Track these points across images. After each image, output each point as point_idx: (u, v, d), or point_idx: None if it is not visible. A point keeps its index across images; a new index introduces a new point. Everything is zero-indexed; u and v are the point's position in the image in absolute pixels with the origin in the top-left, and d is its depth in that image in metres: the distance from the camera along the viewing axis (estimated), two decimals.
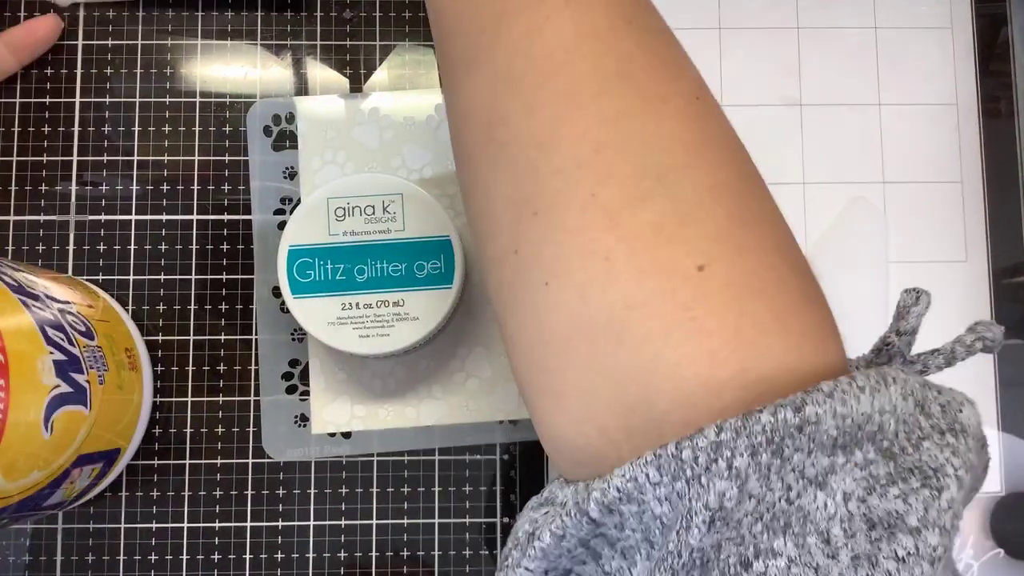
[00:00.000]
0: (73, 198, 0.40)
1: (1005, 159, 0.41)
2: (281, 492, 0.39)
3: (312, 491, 0.38)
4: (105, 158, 0.40)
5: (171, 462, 0.39)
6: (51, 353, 0.30)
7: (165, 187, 0.40)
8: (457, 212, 0.38)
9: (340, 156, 0.39)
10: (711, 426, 0.17)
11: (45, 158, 0.40)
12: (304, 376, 0.38)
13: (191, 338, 0.39)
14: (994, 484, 0.39)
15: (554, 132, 0.20)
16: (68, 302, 0.34)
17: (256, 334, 0.39)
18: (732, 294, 0.18)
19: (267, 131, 0.40)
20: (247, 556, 0.38)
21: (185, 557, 0.38)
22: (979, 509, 0.39)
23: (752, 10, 0.42)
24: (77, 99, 0.40)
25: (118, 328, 0.37)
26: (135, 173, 0.40)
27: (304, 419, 0.38)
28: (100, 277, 0.39)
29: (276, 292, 0.39)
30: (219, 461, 0.39)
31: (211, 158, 0.40)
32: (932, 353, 0.22)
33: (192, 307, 0.39)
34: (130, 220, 0.40)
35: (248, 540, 0.38)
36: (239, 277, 0.39)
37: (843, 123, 0.41)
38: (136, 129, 0.40)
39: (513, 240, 0.21)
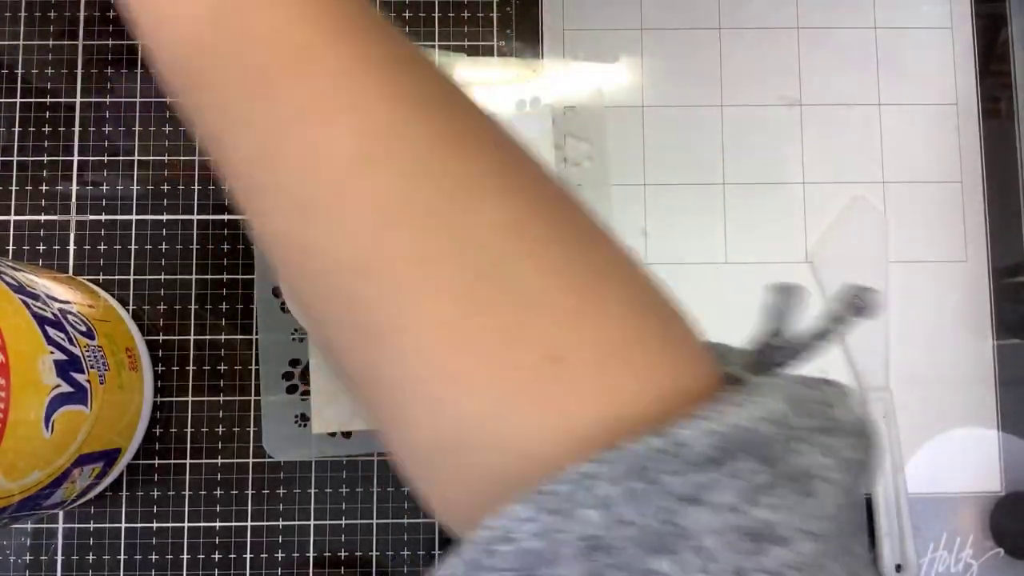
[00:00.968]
0: (74, 198, 0.40)
1: (1005, 159, 0.41)
2: (281, 491, 0.39)
3: (312, 490, 0.39)
4: (106, 158, 0.40)
5: (171, 462, 0.39)
6: (52, 353, 0.30)
7: (166, 187, 0.40)
8: None
9: None
10: (578, 462, 0.16)
11: (46, 158, 0.40)
12: (304, 376, 0.38)
13: (191, 338, 0.39)
14: (994, 484, 0.39)
15: (367, 257, 0.19)
16: (69, 302, 0.34)
17: (256, 334, 0.39)
18: (593, 373, 0.18)
19: None
20: (247, 555, 0.38)
21: (185, 556, 0.38)
22: (979, 509, 0.39)
23: (752, 10, 0.42)
24: (78, 99, 0.40)
25: (119, 328, 0.37)
26: (136, 173, 0.40)
27: (304, 419, 0.38)
28: (101, 277, 0.39)
29: (276, 292, 0.39)
30: (219, 461, 0.39)
31: (212, 158, 0.40)
32: (808, 337, 0.22)
33: (193, 307, 0.39)
34: (131, 220, 0.40)
35: (248, 539, 0.38)
36: (239, 277, 0.40)
37: (843, 123, 0.41)
38: (137, 129, 0.40)
39: (362, 361, 0.20)
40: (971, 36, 0.42)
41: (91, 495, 0.36)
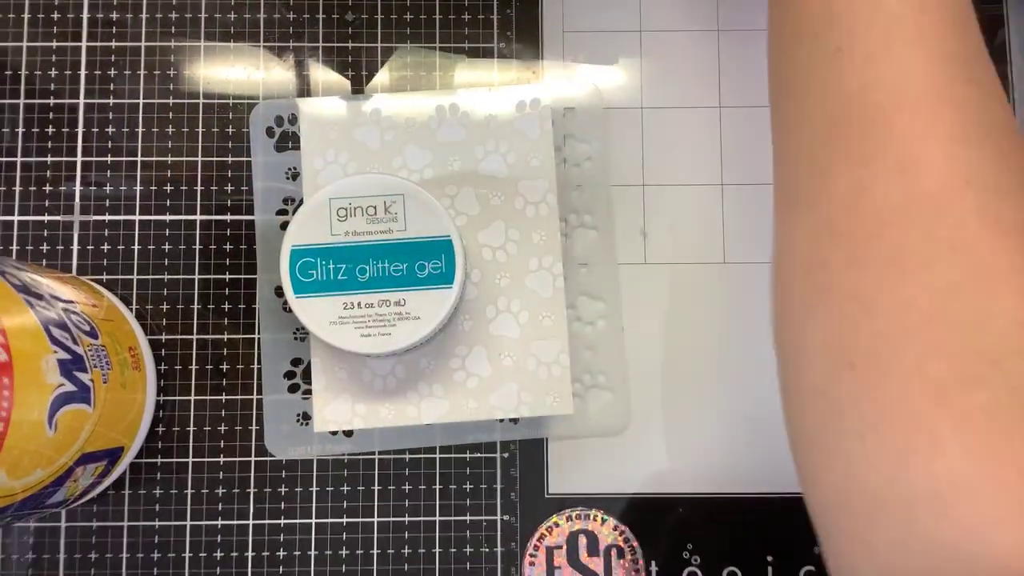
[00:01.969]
0: (77, 198, 0.40)
1: None
2: (283, 490, 0.39)
3: (314, 489, 0.39)
4: (109, 159, 0.40)
5: (174, 460, 0.39)
6: (55, 352, 0.30)
7: (168, 187, 0.40)
8: (457, 212, 0.39)
9: (342, 157, 0.39)
10: None
11: (49, 159, 0.40)
12: (306, 375, 0.39)
13: (194, 337, 0.39)
14: None
15: (877, 293, 0.19)
16: (72, 301, 0.34)
17: (258, 333, 0.39)
18: None
19: (270, 132, 0.40)
20: (249, 554, 0.38)
21: (188, 555, 0.38)
22: None
23: (751, 11, 0.42)
24: (81, 100, 0.41)
25: (122, 327, 0.37)
26: (139, 174, 0.40)
27: (306, 418, 0.38)
28: (104, 277, 0.40)
29: (278, 292, 0.39)
30: (222, 459, 0.39)
31: (214, 159, 0.40)
32: None
33: (195, 306, 0.40)
34: (134, 220, 0.40)
35: (250, 538, 0.38)
36: (242, 277, 0.40)
37: None
38: (140, 130, 0.40)
39: (824, 382, 0.20)
40: None
41: (94, 494, 0.37)
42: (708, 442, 0.39)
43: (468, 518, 0.39)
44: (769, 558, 0.38)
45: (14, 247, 0.40)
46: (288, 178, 0.40)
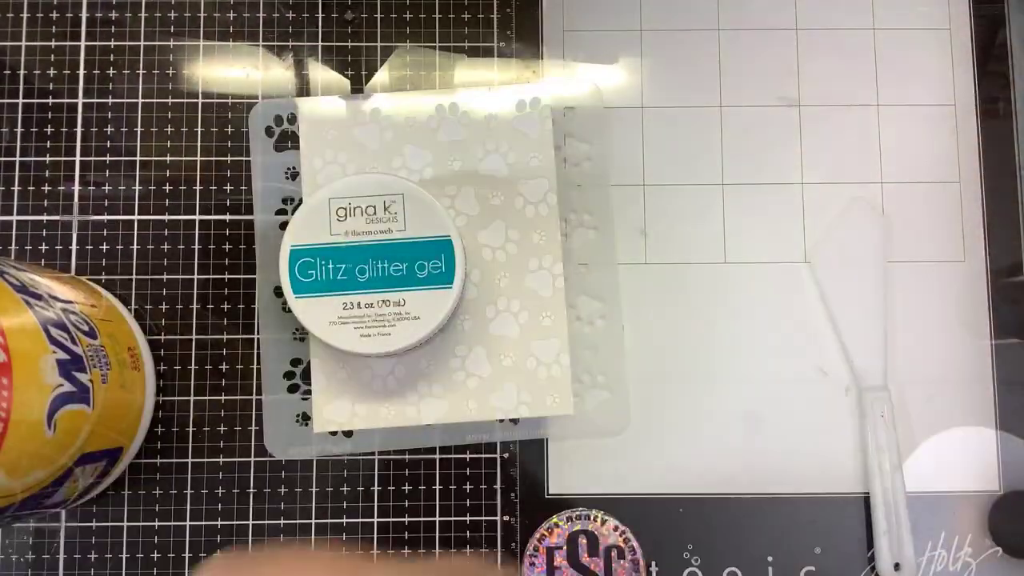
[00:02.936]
0: (76, 198, 0.40)
1: (1003, 160, 0.41)
2: (283, 490, 0.39)
3: (313, 489, 0.39)
4: (108, 158, 0.40)
5: (173, 460, 0.39)
6: (54, 352, 0.30)
7: (167, 187, 0.40)
8: (457, 212, 0.39)
9: (341, 157, 0.39)
10: None
11: (48, 158, 0.40)
12: (306, 375, 0.39)
13: (193, 337, 0.39)
14: (992, 483, 0.39)
15: None
16: (71, 302, 0.34)
17: (258, 333, 0.39)
18: None
19: (269, 132, 0.40)
20: None
21: (187, 555, 0.38)
22: (977, 508, 0.39)
23: (751, 11, 0.42)
24: (80, 99, 0.40)
25: (121, 327, 0.37)
26: (138, 173, 0.40)
27: (305, 418, 0.38)
28: (103, 277, 0.40)
29: (278, 292, 0.39)
30: (221, 460, 0.39)
31: (213, 159, 0.40)
32: None
33: (194, 307, 0.40)
34: (133, 220, 0.40)
35: (250, 538, 0.38)
36: (241, 277, 0.40)
37: (842, 123, 0.41)
38: (139, 130, 0.40)
39: None
40: (969, 37, 0.42)
41: (93, 494, 0.37)
42: (708, 442, 0.39)
43: (468, 518, 0.39)
44: (769, 558, 0.38)
45: (13, 247, 0.40)
46: (287, 178, 0.40)
